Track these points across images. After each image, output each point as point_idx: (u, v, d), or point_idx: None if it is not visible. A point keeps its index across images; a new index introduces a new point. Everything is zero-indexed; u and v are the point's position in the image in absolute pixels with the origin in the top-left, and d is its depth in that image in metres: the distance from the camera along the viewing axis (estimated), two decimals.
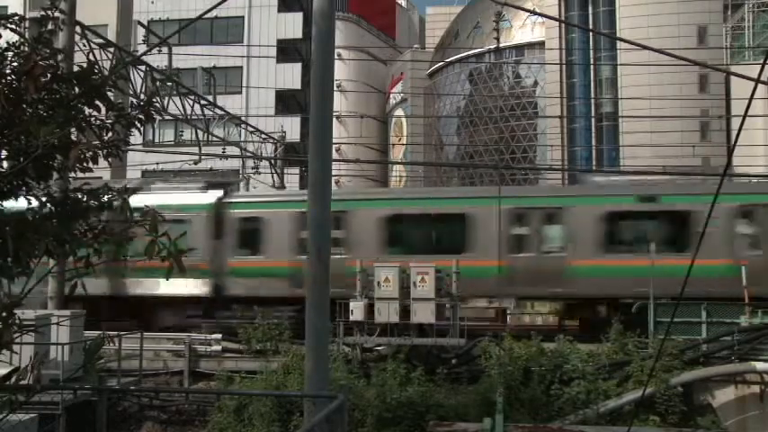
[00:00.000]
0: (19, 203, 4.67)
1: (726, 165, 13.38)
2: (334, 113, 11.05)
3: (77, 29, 16.80)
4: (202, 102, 23.34)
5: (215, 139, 25.99)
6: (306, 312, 9.24)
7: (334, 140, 10.13)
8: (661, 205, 19.56)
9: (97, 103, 4.77)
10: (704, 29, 41.38)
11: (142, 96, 17.99)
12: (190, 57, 29.34)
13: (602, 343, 16.91)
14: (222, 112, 25.32)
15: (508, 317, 24.51)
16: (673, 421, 15.21)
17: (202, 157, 23.76)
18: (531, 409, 15.12)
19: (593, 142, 44.65)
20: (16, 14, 4.72)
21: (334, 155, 27.23)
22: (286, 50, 42.54)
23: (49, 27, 4.78)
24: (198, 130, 23.71)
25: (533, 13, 44.66)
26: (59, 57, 4.67)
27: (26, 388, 4.47)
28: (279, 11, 42.86)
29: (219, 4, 15.70)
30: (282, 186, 30.50)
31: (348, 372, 16.40)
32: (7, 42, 4.58)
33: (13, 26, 4.67)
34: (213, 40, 40.98)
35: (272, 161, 30.48)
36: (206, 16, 15.67)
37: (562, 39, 45.18)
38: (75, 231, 4.49)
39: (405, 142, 53.53)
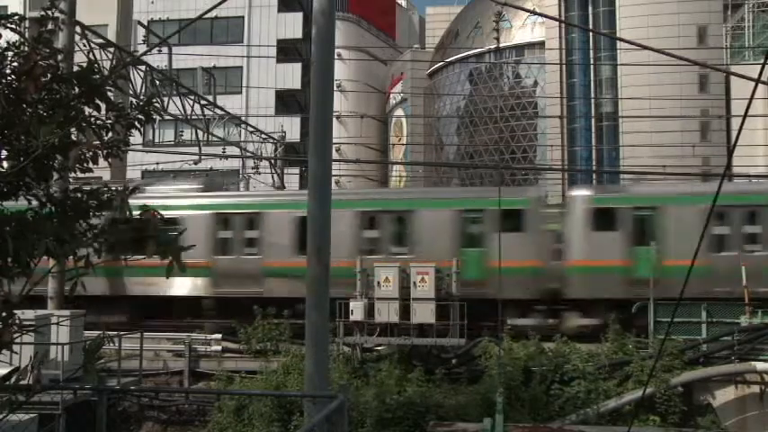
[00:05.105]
0: (19, 203, 4.67)
1: (726, 165, 13.41)
2: (335, 113, 11.06)
3: (77, 29, 16.80)
4: (202, 102, 23.33)
5: (215, 139, 25.98)
6: (306, 312, 9.25)
7: (334, 140, 10.13)
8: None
9: (97, 102, 4.77)
10: (704, 29, 41.37)
11: (142, 96, 17.98)
12: (190, 57, 29.32)
13: (603, 343, 16.96)
14: (222, 112, 25.31)
15: None
16: (673, 421, 15.22)
17: (202, 157, 23.76)
18: (531, 409, 15.12)
19: (594, 142, 44.64)
20: (16, 14, 4.71)
21: (335, 155, 27.23)
22: (286, 50, 42.52)
23: (49, 27, 4.78)
24: (198, 130, 23.71)
25: (533, 13, 44.65)
26: (59, 57, 4.66)
27: (26, 388, 4.46)
28: (279, 11, 42.81)
29: (219, 4, 15.70)
30: (282, 186, 30.48)
31: (348, 372, 16.41)
32: (7, 42, 4.58)
33: (13, 26, 4.66)
34: (213, 40, 40.94)
35: (272, 161, 30.46)
36: (206, 16, 15.67)
37: (562, 39, 45.18)
38: (75, 231, 4.48)
39: (405, 142, 53.53)
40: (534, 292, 18.97)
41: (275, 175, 30.59)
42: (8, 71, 4.49)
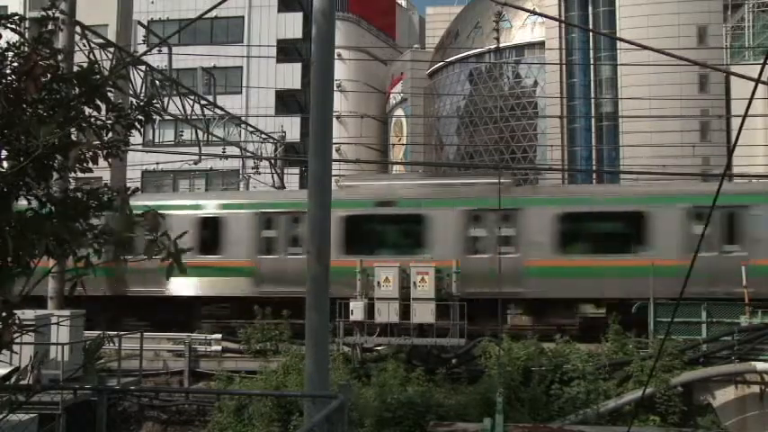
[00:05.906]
0: (19, 203, 4.67)
1: (726, 165, 13.41)
2: (334, 113, 11.05)
3: (77, 29, 16.80)
4: (202, 102, 23.33)
5: (215, 139, 25.99)
6: (306, 312, 9.24)
7: (334, 140, 10.12)
8: None
9: (97, 103, 4.77)
10: (704, 29, 41.38)
11: (142, 96, 17.99)
12: (190, 57, 29.32)
13: (602, 343, 16.95)
14: (222, 112, 25.31)
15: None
16: (673, 421, 15.21)
17: (202, 157, 23.76)
18: (531, 409, 15.11)
19: (594, 142, 44.66)
20: (16, 14, 4.70)
21: (335, 155, 27.23)
22: (286, 50, 42.53)
23: (49, 27, 4.77)
24: (198, 130, 23.71)
25: (533, 13, 44.67)
26: (59, 57, 4.66)
27: (26, 388, 4.46)
28: (279, 11, 42.80)
29: (219, 4, 15.71)
30: (282, 186, 30.47)
31: (348, 372, 16.42)
32: (7, 42, 4.57)
33: (13, 26, 4.66)
34: (213, 40, 40.95)
35: (272, 161, 30.47)
36: (206, 16, 15.67)
37: (562, 39, 45.20)
38: (75, 231, 4.48)
39: (405, 142, 53.54)
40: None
41: (275, 175, 30.60)
42: (8, 71, 4.49)
